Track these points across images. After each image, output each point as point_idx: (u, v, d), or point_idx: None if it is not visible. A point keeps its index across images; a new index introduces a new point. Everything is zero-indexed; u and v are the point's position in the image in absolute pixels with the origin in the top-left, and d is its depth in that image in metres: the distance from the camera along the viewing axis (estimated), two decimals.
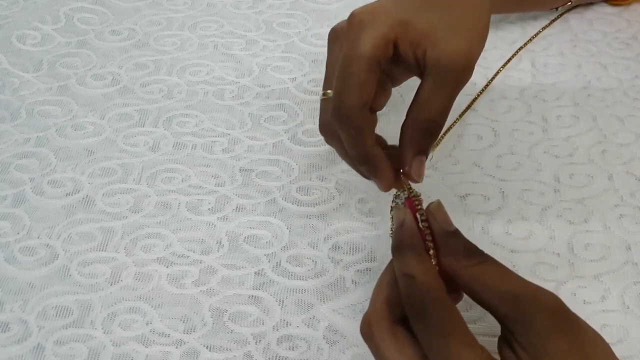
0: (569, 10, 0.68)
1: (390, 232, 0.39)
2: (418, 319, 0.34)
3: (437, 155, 0.54)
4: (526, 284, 0.35)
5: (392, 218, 0.39)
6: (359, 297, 0.46)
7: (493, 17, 0.67)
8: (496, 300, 0.34)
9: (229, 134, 0.56)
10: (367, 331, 0.36)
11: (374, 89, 0.40)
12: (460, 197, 0.51)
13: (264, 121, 0.58)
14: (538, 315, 0.33)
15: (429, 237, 0.37)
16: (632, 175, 0.53)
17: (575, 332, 0.33)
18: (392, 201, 0.41)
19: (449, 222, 0.37)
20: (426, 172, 0.53)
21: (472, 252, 0.36)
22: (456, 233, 0.37)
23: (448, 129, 0.56)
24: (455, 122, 0.56)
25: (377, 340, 0.35)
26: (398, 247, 0.37)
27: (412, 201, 0.39)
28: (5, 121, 0.57)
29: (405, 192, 0.40)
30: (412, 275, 0.35)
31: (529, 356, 0.32)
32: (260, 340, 0.43)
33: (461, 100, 0.59)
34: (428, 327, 0.34)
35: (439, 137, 0.54)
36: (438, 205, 0.38)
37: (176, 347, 0.43)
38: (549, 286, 0.37)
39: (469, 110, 0.58)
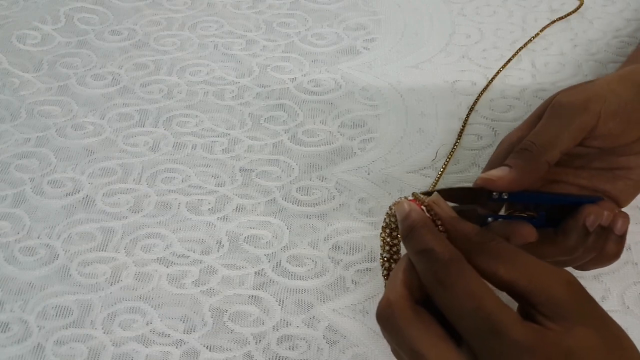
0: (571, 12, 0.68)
1: (381, 231, 0.39)
2: (444, 289, 0.33)
3: (437, 155, 0.54)
4: (538, 260, 0.35)
5: (387, 216, 0.39)
6: (359, 297, 0.46)
7: (495, 17, 0.68)
8: (514, 275, 0.33)
9: (229, 134, 0.56)
10: (387, 312, 0.34)
11: None
12: None
13: (264, 121, 0.58)
14: (558, 286, 0.33)
15: (438, 222, 0.37)
16: None
17: (591, 301, 0.34)
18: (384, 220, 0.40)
19: (452, 211, 0.38)
20: (426, 172, 0.53)
21: (483, 233, 0.36)
22: (462, 219, 0.37)
23: (460, 133, 0.56)
24: (463, 127, 0.56)
25: (399, 320, 0.34)
26: (410, 231, 0.36)
27: (415, 200, 0.39)
28: (5, 121, 0.57)
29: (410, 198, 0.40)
30: (429, 249, 0.34)
31: (557, 324, 0.32)
32: (260, 340, 0.44)
33: (461, 101, 0.59)
34: (457, 293, 0.33)
35: (455, 141, 0.55)
36: (438, 196, 0.38)
37: (176, 347, 0.43)
38: None
39: (468, 110, 0.58)
